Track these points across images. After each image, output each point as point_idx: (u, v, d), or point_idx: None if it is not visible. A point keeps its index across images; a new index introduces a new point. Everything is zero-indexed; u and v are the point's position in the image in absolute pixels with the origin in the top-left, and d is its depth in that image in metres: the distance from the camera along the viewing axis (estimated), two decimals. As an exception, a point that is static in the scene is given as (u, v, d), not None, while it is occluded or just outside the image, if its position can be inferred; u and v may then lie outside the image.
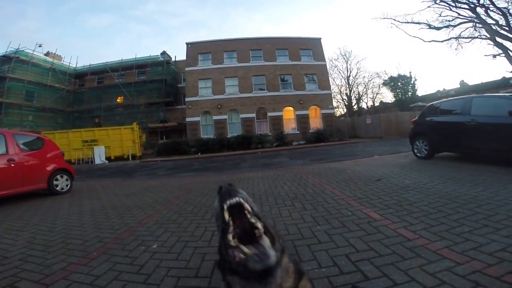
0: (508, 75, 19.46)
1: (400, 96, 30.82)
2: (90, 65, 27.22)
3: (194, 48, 22.02)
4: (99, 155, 16.69)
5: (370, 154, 9.35)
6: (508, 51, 14.50)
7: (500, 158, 4.80)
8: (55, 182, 5.64)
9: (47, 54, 26.64)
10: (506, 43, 14.58)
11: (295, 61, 22.27)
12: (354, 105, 36.48)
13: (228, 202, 0.93)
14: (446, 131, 5.79)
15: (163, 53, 28.39)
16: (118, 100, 26.52)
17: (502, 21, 14.43)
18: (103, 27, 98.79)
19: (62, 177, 5.84)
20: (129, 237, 2.78)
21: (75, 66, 27.40)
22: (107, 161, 16.73)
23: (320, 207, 3.36)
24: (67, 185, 5.92)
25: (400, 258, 1.85)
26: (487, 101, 5.18)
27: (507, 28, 14.20)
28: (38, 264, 2.21)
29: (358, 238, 2.30)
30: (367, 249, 2.07)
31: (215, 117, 21.02)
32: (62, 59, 27.71)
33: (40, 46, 23.92)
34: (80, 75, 27.26)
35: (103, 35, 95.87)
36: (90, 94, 26.33)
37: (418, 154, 6.62)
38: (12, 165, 4.90)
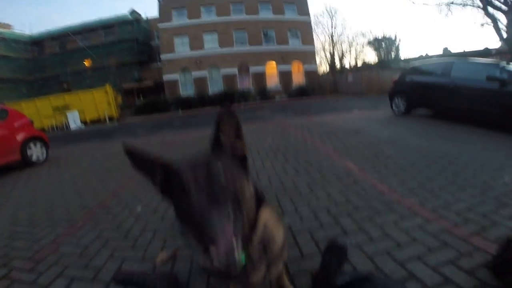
0: (491, 46, 19.59)
1: (383, 56, 30.51)
2: (47, 30, 24.87)
3: (167, 3, 20.22)
4: (73, 120, 15.88)
5: (350, 109, 9.55)
6: (498, 21, 14.42)
7: (472, 118, 5.05)
8: (29, 152, 5.36)
9: (-9, 24, 23.71)
10: (497, 14, 14.42)
11: (278, 15, 21.13)
12: (337, 62, 35.95)
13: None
14: (425, 90, 5.94)
15: (132, 11, 25.79)
16: (85, 64, 24.67)
17: None
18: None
19: (35, 145, 5.54)
20: (112, 201, 2.77)
21: (29, 33, 24.96)
22: (83, 126, 16.04)
23: (302, 159, 3.46)
24: (42, 154, 5.65)
25: (376, 213, 1.97)
26: (467, 66, 5.29)
27: (502, 0, 13.92)
28: (26, 240, 2.15)
29: (338, 191, 2.41)
30: (345, 202, 2.19)
31: (194, 74, 20.21)
32: (12, 28, 25.10)
33: (-20, 16, 21.01)
34: (37, 42, 24.95)
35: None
36: (52, 60, 24.29)
37: (395, 110, 6.85)
38: (-24, 138, 4.55)
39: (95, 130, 13.40)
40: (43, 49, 24.89)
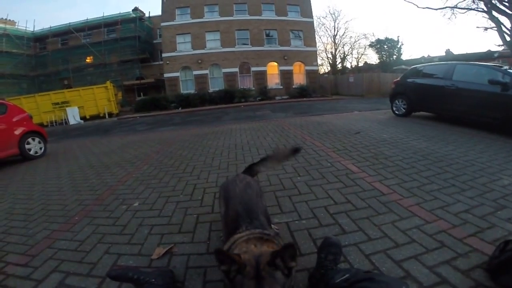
0: (493, 48, 19.50)
1: (384, 58, 30.50)
2: (50, 27, 24.61)
3: (171, 2, 20.10)
4: (73, 116, 15.93)
5: (350, 110, 9.56)
6: (501, 25, 14.36)
7: (473, 122, 5.03)
8: (27, 146, 5.34)
9: (-4, 20, 23.60)
10: (502, 18, 14.37)
11: (281, 16, 21.06)
12: (339, 63, 35.91)
13: None
14: (426, 92, 5.92)
15: (135, 9, 25.81)
16: (87, 60, 24.58)
17: None
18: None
19: (34, 140, 5.53)
20: (109, 197, 2.75)
21: (32, 30, 24.78)
22: (82, 121, 16.07)
23: (301, 158, 3.44)
24: (40, 148, 5.64)
25: (374, 213, 1.96)
26: (469, 69, 5.27)
27: (507, 4, 13.83)
28: (21, 235, 2.13)
29: (337, 190, 2.40)
30: (344, 201, 2.17)
31: (195, 72, 20.16)
32: (16, 24, 25.02)
33: (-14, 13, 20.89)
34: (40, 39, 24.77)
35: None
36: (54, 56, 24.12)
37: (396, 112, 6.84)
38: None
39: (94, 125, 13.37)
40: (46, 46, 24.73)
